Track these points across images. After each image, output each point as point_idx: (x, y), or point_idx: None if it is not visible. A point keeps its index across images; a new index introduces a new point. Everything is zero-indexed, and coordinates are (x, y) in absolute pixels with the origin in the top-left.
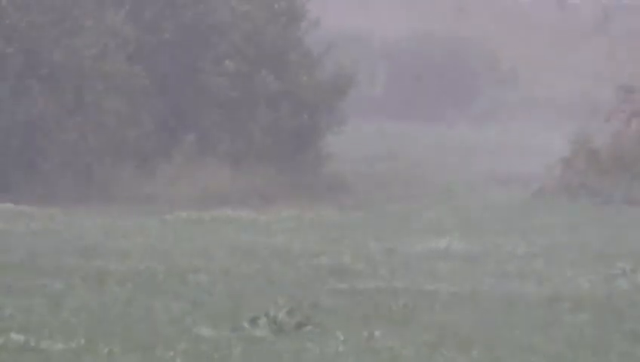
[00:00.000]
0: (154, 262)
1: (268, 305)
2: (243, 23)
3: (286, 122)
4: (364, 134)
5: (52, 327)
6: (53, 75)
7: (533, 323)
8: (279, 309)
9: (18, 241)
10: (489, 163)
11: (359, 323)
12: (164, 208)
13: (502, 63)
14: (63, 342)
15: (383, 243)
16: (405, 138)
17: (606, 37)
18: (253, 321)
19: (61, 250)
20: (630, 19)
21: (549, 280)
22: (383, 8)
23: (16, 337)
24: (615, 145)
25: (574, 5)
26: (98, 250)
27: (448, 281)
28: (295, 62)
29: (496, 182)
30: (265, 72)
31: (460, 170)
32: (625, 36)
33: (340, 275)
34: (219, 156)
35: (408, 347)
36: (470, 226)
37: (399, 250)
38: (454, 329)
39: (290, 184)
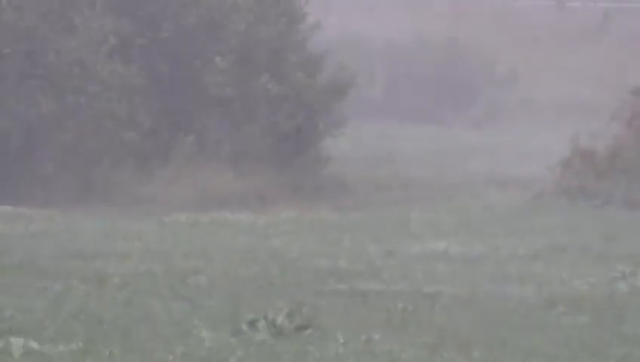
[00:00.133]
0: (153, 264)
1: (267, 307)
2: (240, 23)
3: (285, 124)
4: (364, 136)
5: (52, 329)
6: (50, 77)
7: (532, 325)
8: (278, 312)
9: (17, 243)
10: (488, 165)
11: (358, 326)
12: (163, 210)
13: (501, 65)
14: (62, 343)
15: (382, 245)
16: (405, 140)
17: (606, 39)
18: (253, 324)
19: (60, 252)
20: (630, 21)
21: (548, 283)
22: (384, 11)
23: (16, 339)
24: (615, 147)
25: (574, 8)
26: (97, 252)
27: (448, 283)
28: (295, 63)
29: (496, 184)
30: (264, 74)
31: (460, 171)
32: (625, 38)
33: (339, 277)
34: (218, 158)
35: (407, 349)
36: (469, 228)
37: (398, 251)
38: (454, 331)
39: (289, 186)
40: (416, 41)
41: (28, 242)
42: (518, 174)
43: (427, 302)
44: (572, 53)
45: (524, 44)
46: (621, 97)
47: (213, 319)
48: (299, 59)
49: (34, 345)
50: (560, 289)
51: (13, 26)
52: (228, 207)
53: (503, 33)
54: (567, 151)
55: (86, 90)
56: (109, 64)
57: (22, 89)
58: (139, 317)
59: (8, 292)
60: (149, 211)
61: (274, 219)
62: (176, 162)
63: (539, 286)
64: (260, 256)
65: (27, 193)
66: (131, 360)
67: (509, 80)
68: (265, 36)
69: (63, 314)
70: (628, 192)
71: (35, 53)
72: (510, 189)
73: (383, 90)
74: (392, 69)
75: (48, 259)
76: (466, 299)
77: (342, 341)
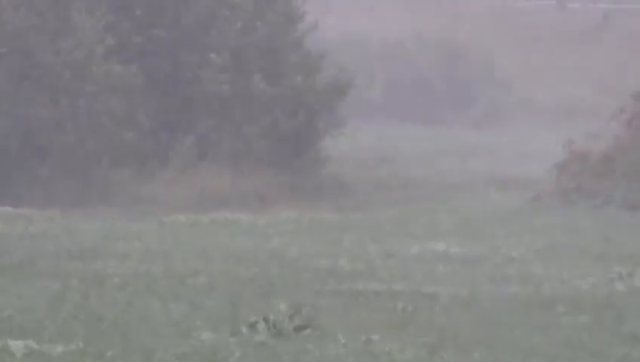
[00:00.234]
0: (153, 264)
1: (267, 307)
2: (237, 21)
3: (285, 124)
4: (364, 136)
5: (51, 329)
6: (48, 77)
7: (532, 325)
8: (278, 312)
9: (17, 244)
10: (488, 165)
11: (358, 326)
12: (163, 210)
13: (501, 66)
14: (62, 343)
15: (381, 246)
16: (404, 140)
17: (605, 40)
18: (253, 324)
19: (60, 253)
20: (630, 22)
21: (547, 283)
22: (384, 11)
23: (16, 340)
24: (614, 148)
25: (573, 8)
26: (97, 253)
27: (447, 284)
28: (293, 63)
29: (495, 185)
30: (261, 73)
31: (459, 172)
32: (625, 39)
33: (338, 277)
34: (217, 158)
35: (407, 350)
36: (469, 228)
37: (398, 252)
38: (454, 331)
39: (289, 186)
40: (415, 41)
41: (28, 242)
42: (517, 175)
43: (427, 302)
44: (572, 54)
45: (524, 44)
46: (621, 98)
47: (212, 319)
48: (297, 59)
49: (34, 345)
50: (560, 289)
51: (11, 26)
52: (227, 208)
53: (503, 34)
54: (566, 152)
55: (84, 90)
56: (106, 64)
57: (20, 89)
58: (138, 317)
59: (8, 292)
60: (149, 211)
61: (274, 219)
62: (176, 162)
63: (538, 287)
64: (259, 257)
65: (27, 194)
66: (131, 360)
67: (508, 80)
68: (262, 34)
69: (63, 314)
70: (627, 193)
71: (32, 54)
72: (510, 190)
73: (383, 90)
74: (392, 69)
75: (48, 260)
76: (465, 299)
77: (342, 341)
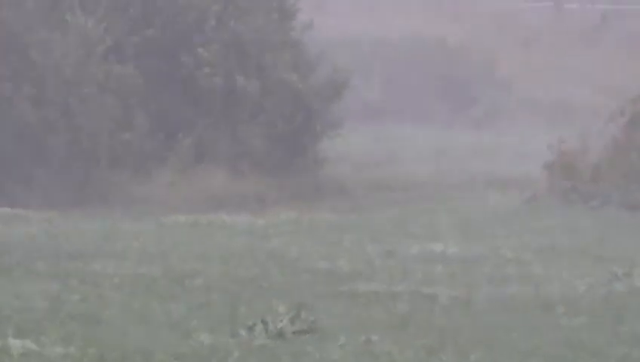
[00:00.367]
0: (151, 265)
1: (266, 309)
2: (230, 19)
3: (281, 125)
4: (362, 137)
5: (50, 331)
6: (46, 78)
7: (531, 326)
8: (277, 313)
9: (16, 244)
10: (487, 166)
11: (357, 327)
12: (162, 211)
13: (500, 66)
14: (61, 345)
15: (381, 246)
16: (403, 141)
17: (604, 41)
18: (252, 326)
19: (59, 253)
20: (628, 23)
21: (546, 283)
22: (383, 11)
23: (14, 341)
24: (612, 149)
25: (571, 9)
26: (96, 253)
27: (446, 285)
28: (289, 62)
29: (495, 185)
30: (256, 72)
31: (459, 172)
32: (623, 40)
33: (338, 278)
34: (216, 159)
35: (407, 351)
36: (468, 229)
37: (397, 253)
38: (453, 332)
39: (287, 187)
40: (414, 41)
41: (26, 243)
42: (517, 175)
43: (426, 303)
44: (570, 55)
45: (523, 45)
46: (620, 99)
47: (212, 321)
48: (292, 58)
49: (32, 346)
50: (559, 290)
51: (7, 25)
52: (226, 209)
53: (502, 34)
54: (564, 153)
55: (82, 91)
56: (104, 65)
57: (17, 90)
58: (137, 318)
59: (6, 292)
60: (148, 212)
61: (273, 220)
62: (174, 163)
63: (537, 287)
64: (258, 258)
65: (25, 195)
66: (129, 361)
67: (508, 81)
68: (256, 29)
69: (62, 314)
70: (626, 194)
71: (28, 54)
72: (509, 190)
73: (382, 90)
74: (391, 69)
75: (47, 260)
76: (464, 300)
77: (341, 342)
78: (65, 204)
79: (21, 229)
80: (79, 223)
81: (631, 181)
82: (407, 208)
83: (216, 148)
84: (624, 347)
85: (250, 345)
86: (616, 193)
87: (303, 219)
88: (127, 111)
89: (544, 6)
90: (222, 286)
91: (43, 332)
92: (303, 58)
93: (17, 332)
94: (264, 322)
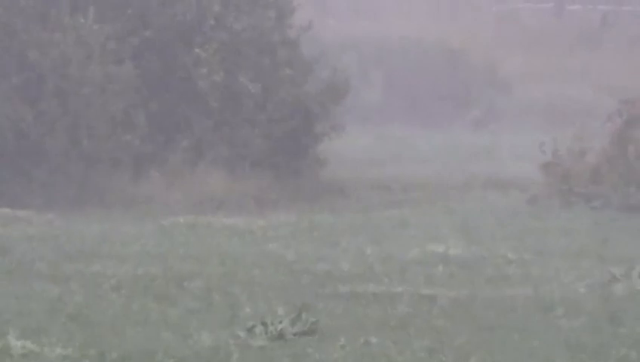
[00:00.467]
0: (151, 267)
1: (265, 311)
2: (228, 17)
3: (282, 126)
4: (363, 138)
5: (50, 333)
6: (44, 79)
7: (530, 327)
8: (277, 315)
9: (16, 246)
10: (487, 167)
11: (357, 328)
12: (161, 213)
13: (500, 68)
14: (61, 346)
15: (380, 248)
16: (403, 142)
17: (605, 42)
18: (251, 327)
19: (58, 255)
20: (630, 24)
21: (545, 285)
22: (383, 13)
23: (14, 342)
24: (610, 150)
25: (572, 11)
26: (95, 255)
27: (446, 286)
28: (288, 63)
29: (495, 187)
30: (254, 72)
31: (458, 174)
32: (625, 42)
33: (337, 280)
34: (215, 160)
35: (406, 352)
36: (468, 230)
37: (397, 254)
38: (452, 334)
39: (287, 189)
40: (415, 43)
41: (26, 245)
42: (517, 176)
43: (426, 304)
44: (571, 57)
45: (523, 46)
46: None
47: (211, 322)
48: (291, 59)
49: (32, 347)
50: (558, 291)
51: (6, 26)
52: (225, 210)
53: (502, 36)
54: (563, 154)
55: (82, 91)
56: (103, 65)
57: (16, 91)
58: (137, 320)
59: (6, 294)
60: (147, 214)
61: (272, 222)
62: (173, 165)
63: (536, 289)
64: (257, 259)
65: (24, 196)
66: None
67: (508, 82)
68: (253, 28)
69: (62, 316)
70: (625, 196)
71: (26, 54)
72: (510, 191)
73: (382, 92)
74: (391, 71)
75: (46, 262)
76: (464, 302)
77: (341, 343)
78: (64, 204)
79: (21, 231)
80: (79, 225)
81: (630, 183)
82: (407, 209)
83: (216, 149)
84: (623, 348)
85: (249, 347)
86: (615, 195)
87: (303, 221)
88: (127, 112)
89: (544, 7)
90: (221, 288)
91: (43, 333)
92: (299, 58)
93: (18, 333)
94: (264, 323)
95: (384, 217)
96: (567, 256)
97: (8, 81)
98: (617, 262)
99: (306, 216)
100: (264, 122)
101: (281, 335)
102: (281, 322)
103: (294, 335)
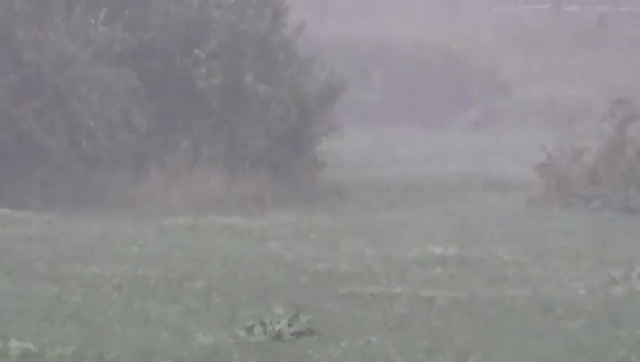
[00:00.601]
0: (150, 267)
1: (264, 311)
2: (224, 17)
3: (281, 127)
4: (361, 139)
5: (49, 333)
6: (44, 79)
7: (530, 329)
8: (276, 316)
9: (15, 246)
10: (486, 168)
11: (356, 329)
12: (160, 213)
13: (499, 69)
14: (60, 347)
15: (379, 249)
16: (402, 143)
17: (603, 43)
18: (251, 328)
19: (58, 256)
20: (628, 25)
21: (545, 286)
22: (382, 14)
23: (13, 342)
24: (610, 151)
25: (570, 12)
26: (94, 256)
27: (445, 287)
28: (288, 64)
29: (494, 188)
30: (251, 71)
31: (457, 175)
32: (623, 42)
33: (336, 281)
34: (214, 161)
35: (405, 353)
36: (467, 231)
37: (395, 255)
38: (451, 335)
39: (286, 190)
40: (414, 44)
41: (25, 245)
42: (516, 177)
43: (425, 305)
44: (569, 57)
45: (522, 47)
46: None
47: (211, 322)
48: (292, 60)
49: (31, 348)
50: (558, 292)
51: (4, 26)
52: (225, 211)
53: (501, 37)
54: (562, 155)
55: (81, 92)
56: (101, 66)
57: (15, 92)
58: (136, 321)
59: (5, 294)
60: (146, 214)
61: (271, 222)
62: (173, 165)
63: (536, 290)
64: (257, 260)
65: (24, 197)
66: None
67: (507, 83)
68: (251, 27)
69: (61, 316)
70: (624, 198)
71: (24, 55)
72: (508, 192)
73: (381, 92)
74: (390, 71)
75: (45, 262)
76: (463, 303)
77: (340, 344)
78: (64, 205)
79: (21, 231)
80: (79, 225)
81: (629, 184)
82: (406, 210)
83: (215, 149)
84: (623, 350)
85: (249, 347)
86: (614, 196)
87: (302, 221)
88: (126, 112)
89: (543, 8)
90: (221, 288)
91: (42, 333)
92: (294, 58)
93: (17, 334)
94: (263, 324)
95: (383, 218)
96: (566, 257)
97: (8, 81)
98: (617, 264)
99: (306, 216)
100: (268, 122)
101: (279, 336)
102: (279, 322)
103: (293, 335)
